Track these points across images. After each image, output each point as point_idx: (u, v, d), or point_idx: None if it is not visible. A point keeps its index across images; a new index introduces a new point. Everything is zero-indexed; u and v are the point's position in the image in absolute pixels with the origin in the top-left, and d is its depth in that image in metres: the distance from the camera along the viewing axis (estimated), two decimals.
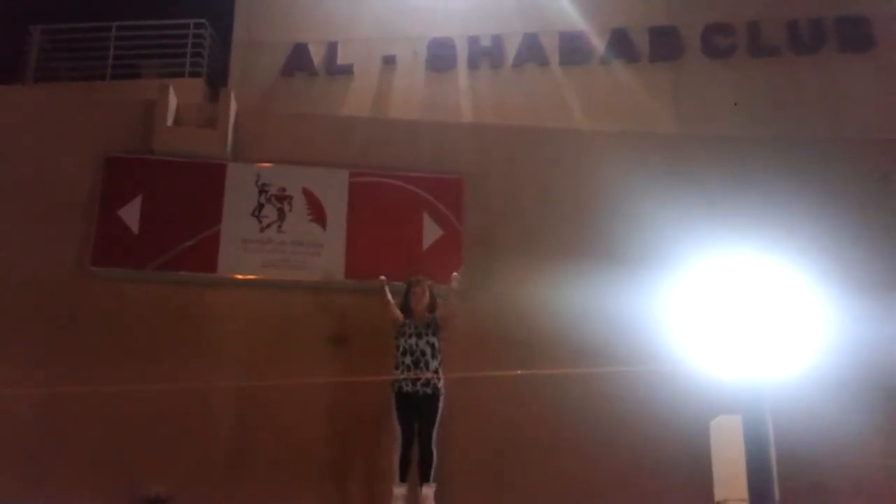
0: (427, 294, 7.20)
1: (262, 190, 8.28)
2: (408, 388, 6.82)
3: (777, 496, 4.47)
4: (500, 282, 8.07)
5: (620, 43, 10.10)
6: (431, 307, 7.17)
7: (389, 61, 10.31)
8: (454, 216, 8.32)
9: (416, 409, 6.81)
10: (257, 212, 8.22)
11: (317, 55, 10.39)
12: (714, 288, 4.21)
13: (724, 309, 4.11)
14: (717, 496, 6.44)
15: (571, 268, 7.91)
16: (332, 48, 10.42)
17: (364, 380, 7.12)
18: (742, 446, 3.95)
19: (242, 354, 7.81)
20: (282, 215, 8.24)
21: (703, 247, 5.56)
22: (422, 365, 6.82)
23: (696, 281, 4.34)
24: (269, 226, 8.19)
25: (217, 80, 10.15)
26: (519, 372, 6.96)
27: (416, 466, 6.76)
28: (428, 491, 6.66)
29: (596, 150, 8.62)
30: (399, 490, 6.70)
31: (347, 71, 10.32)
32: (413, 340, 6.95)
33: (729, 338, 3.99)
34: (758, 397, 3.70)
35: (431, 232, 8.27)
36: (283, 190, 8.29)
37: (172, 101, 8.59)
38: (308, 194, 8.30)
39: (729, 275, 4.19)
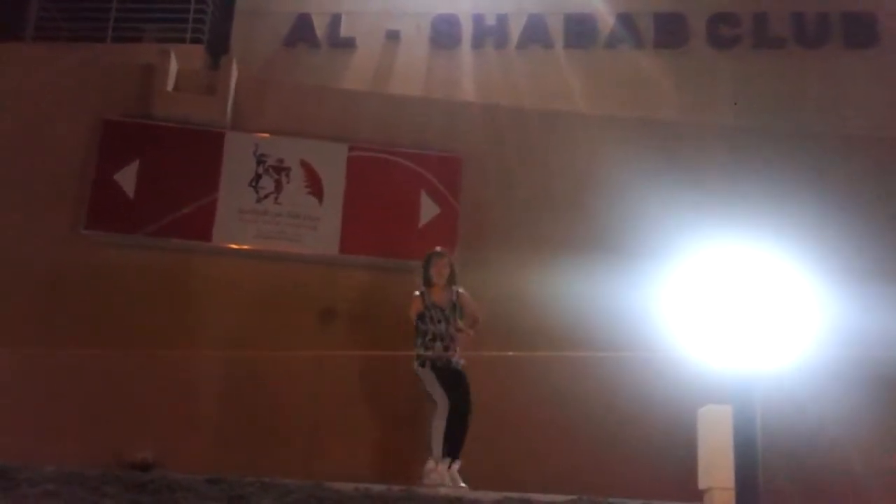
0: (448, 267, 7.05)
1: (260, 160, 8.24)
2: (440, 363, 6.73)
3: (762, 487, 4.49)
4: (493, 262, 8.05)
5: (626, 28, 10.06)
6: (451, 280, 7.03)
7: (393, 36, 10.24)
8: (451, 195, 8.31)
9: (452, 383, 6.69)
10: (254, 182, 8.18)
11: (320, 27, 10.31)
12: (708, 277, 4.19)
13: (718, 298, 4.10)
14: (702, 484, 6.48)
15: (565, 252, 7.92)
16: (335, 20, 10.35)
17: (352, 354, 7.12)
18: (730, 436, 3.96)
19: (232, 323, 7.79)
20: (279, 187, 8.20)
21: (698, 235, 5.55)
22: (451, 350, 6.75)
23: (690, 269, 4.33)
24: (265, 197, 8.16)
25: (218, 48, 10.04)
26: (511, 353, 6.95)
27: (445, 441, 6.55)
28: (457, 467, 6.49)
29: (596, 134, 8.60)
30: (443, 466, 6.46)
31: (350, 44, 10.26)
32: (442, 326, 6.80)
33: (721, 327, 3.99)
34: (748, 387, 3.70)
35: (428, 209, 8.25)
36: (281, 161, 8.25)
37: (173, 66, 8.51)
38: (306, 167, 8.27)
39: (724, 264, 4.17)
